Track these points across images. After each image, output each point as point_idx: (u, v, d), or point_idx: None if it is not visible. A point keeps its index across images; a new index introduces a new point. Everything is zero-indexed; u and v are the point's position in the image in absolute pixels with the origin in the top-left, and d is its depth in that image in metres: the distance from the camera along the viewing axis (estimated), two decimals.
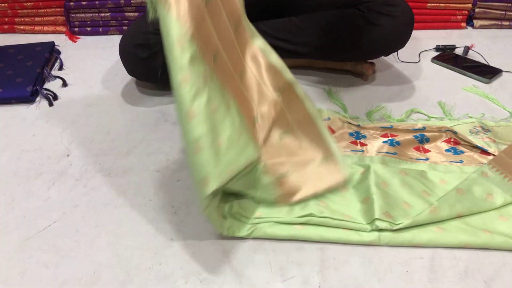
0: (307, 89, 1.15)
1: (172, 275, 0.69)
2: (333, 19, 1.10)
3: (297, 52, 1.14)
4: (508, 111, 1.05)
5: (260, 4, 1.16)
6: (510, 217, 0.77)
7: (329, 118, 1.01)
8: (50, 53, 1.28)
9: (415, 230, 0.74)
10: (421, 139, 0.95)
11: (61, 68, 1.28)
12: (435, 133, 0.96)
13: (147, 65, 1.07)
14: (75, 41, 1.42)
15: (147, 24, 1.08)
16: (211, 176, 0.65)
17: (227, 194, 0.80)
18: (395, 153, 0.91)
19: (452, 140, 0.95)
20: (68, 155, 0.95)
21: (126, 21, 1.43)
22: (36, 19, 1.46)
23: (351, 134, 0.98)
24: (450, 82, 1.18)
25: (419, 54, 1.30)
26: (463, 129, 0.97)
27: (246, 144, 0.73)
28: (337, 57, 1.15)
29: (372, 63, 1.18)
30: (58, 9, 1.44)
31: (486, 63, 1.24)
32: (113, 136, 1.00)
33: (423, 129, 0.97)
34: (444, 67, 1.24)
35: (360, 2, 1.08)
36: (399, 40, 1.10)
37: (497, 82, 1.18)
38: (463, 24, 1.43)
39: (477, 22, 1.43)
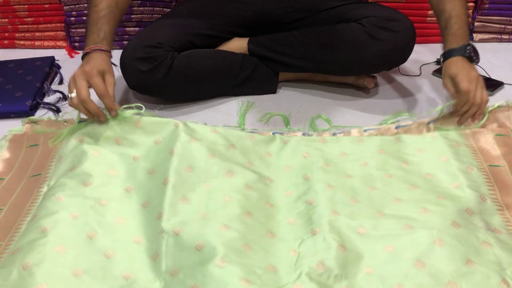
0: (309, 100, 1.15)
1: None
2: (334, 34, 1.10)
3: (298, 66, 1.14)
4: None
5: (260, 20, 1.16)
6: None
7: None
8: (50, 68, 1.28)
9: None
10: None
11: (61, 82, 1.27)
12: None
13: (148, 79, 1.06)
14: (73, 56, 1.42)
15: (148, 38, 1.08)
16: None
17: None
18: None
19: None
20: None
21: (127, 36, 1.43)
22: (37, 34, 1.45)
23: None
24: None
25: (420, 67, 1.30)
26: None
27: None
28: (338, 71, 1.15)
29: (374, 77, 1.18)
30: (59, 24, 1.44)
31: (487, 76, 1.24)
32: None
33: None
34: None
35: (362, 17, 1.08)
36: (400, 55, 1.10)
37: (499, 95, 1.18)
38: None
39: (476, 36, 1.43)
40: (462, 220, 0.72)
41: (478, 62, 0.99)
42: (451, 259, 0.66)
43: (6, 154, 0.93)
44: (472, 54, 0.96)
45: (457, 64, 0.94)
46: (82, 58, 0.94)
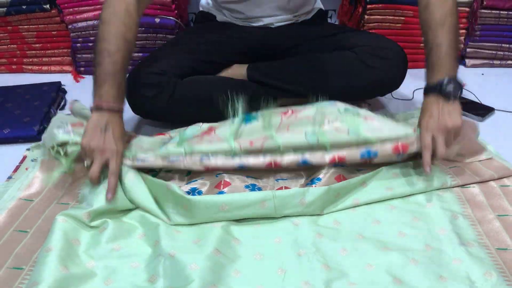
0: None
1: None
2: (328, 61, 1.14)
3: (293, 91, 1.18)
4: None
5: (260, 48, 1.21)
6: None
7: None
8: (56, 93, 1.33)
9: None
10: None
11: (63, 108, 1.32)
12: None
13: (152, 104, 1.11)
14: (78, 81, 1.47)
15: (153, 65, 1.13)
16: None
17: None
18: None
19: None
20: None
21: (131, 61, 1.47)
22: (44, 59, 1.51)
23: None
24: None
25: (413, 92, 1.34)
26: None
27: None
28: (332, 97, 1.19)
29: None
30: (65, 50, 1.49)
31: (478, 102, 1.28)
32: None
33: None
34: None
35: (356, 46, 1.13)
36: (392, 82, 1.14)
37: (490, 120, 1.21)
38: None
39: (469, 61, 1.48)
40: (435, 242, 0.79)
41: (457, 96, 0.89)
42: (425, 276, 0.73)
43: (38, 175, 0.94)
44: (450, 90, 0.88)
45: (427, 107, 0.91)
46: (93, 109, 0.89)
